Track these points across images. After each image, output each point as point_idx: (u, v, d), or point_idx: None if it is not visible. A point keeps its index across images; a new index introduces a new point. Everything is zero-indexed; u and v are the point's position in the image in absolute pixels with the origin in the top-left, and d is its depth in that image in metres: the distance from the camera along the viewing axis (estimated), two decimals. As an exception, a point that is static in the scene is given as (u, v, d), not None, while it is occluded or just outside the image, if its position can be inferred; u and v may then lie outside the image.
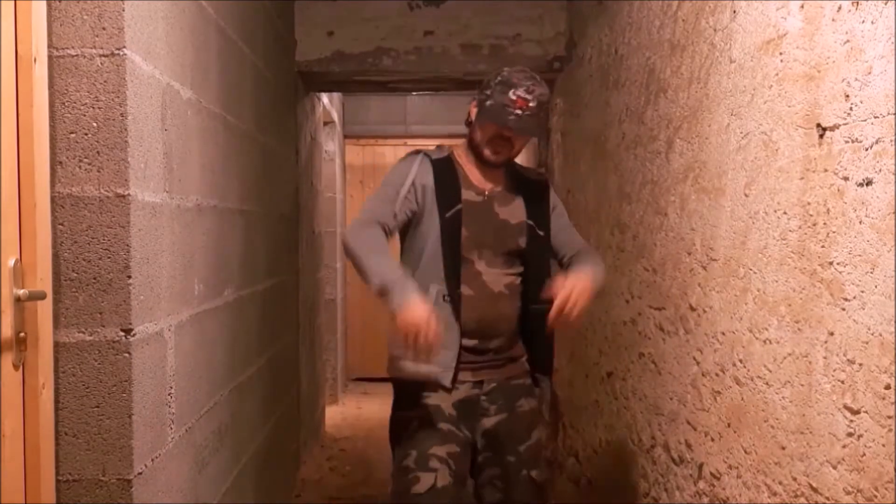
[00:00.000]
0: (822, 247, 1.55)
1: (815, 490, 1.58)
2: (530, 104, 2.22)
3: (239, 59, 2.76)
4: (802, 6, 1.64)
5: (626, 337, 2.89)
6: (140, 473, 1.75)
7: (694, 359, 2.21)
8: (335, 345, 6.23)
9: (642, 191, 2.70)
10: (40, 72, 1.60)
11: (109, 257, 1.69)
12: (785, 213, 1.70)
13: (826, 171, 1.54)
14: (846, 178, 1.47)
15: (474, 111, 2.34)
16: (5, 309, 1.51)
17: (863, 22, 1.43)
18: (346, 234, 2.27)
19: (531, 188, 2.42)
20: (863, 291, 1.42)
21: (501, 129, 2.25)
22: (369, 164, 7.18)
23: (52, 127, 1.66)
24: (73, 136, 1.67)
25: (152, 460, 1.83)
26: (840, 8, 1.50)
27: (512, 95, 2.21)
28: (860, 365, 1.43)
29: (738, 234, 1.93)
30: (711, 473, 2.09)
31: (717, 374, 2.05)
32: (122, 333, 1.70)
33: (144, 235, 1.78)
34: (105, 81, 1.67)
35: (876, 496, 1.38)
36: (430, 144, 2.64)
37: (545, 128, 4.31)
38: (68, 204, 1.68)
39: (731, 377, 1.96)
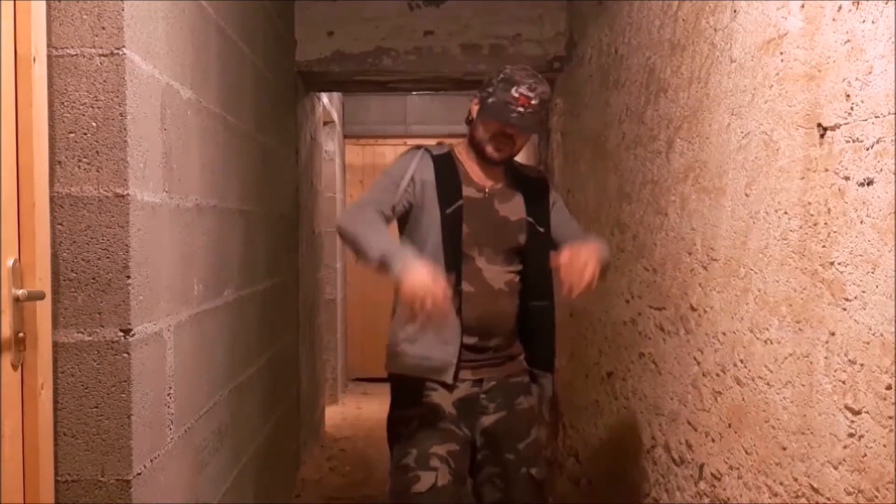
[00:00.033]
0: (823, 247, 1.55)
1: (816, 491, 1.57)
2: (532, 102, 2.23)
3: (239, 59, 2.76)
4: (803, 6, 1.64)
5: (626, 337, 2.89)
6: (139, 474, 1.75)
7: (694, 359, 2.21)
8: (335, 345, 6.22)
9: (642, 191, 2.70)
10: (40, 71, 1.60)
11: (108, 257, 1.69)
12: (786, 212, 1.70)
13: (827, 170, 1.54)
14: (847, 178, 1.47)
15: (475, 109, 2.34)
16: (4, 309, 1.51)
17: (863, 21, 1.43)
18: (341, 218, 2.29)
19: (530, 185, 2.42)
20: (864, 291, 1.41)
21: (504, 126, 2.26)
22: (369, 164, 7.18)
23: (52, 127, 1.65)
24: (72, 135, 1.67)
25: (151, 461, 1.83)
26: (840, 8, 1.50)
27: (514, 93, 2.22)
28: (861, 365, 1.42)
29: (739, 233, 1.92)
30: (712, 474, 2.09)
31: (717, 375, 2.05)
32: (121, 333, 1.70)
33: (144, 235, 1.78)
34: (104, 81, 1.67)
35: (877, 497, 1.38)
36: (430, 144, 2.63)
37: (546, 126, 4.31)
38: (67, 204, 1.67)
39: (732, 377, 1.96)
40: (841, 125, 1.49)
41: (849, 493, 1.46)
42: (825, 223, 1.54)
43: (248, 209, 2.89)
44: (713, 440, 2.08)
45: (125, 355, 1.70)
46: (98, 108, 1.67)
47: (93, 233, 1.68)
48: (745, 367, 1.89)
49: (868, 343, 1.40)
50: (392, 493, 2.32)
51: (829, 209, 1.53)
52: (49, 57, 1.65)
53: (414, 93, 6.27)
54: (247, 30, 2.89)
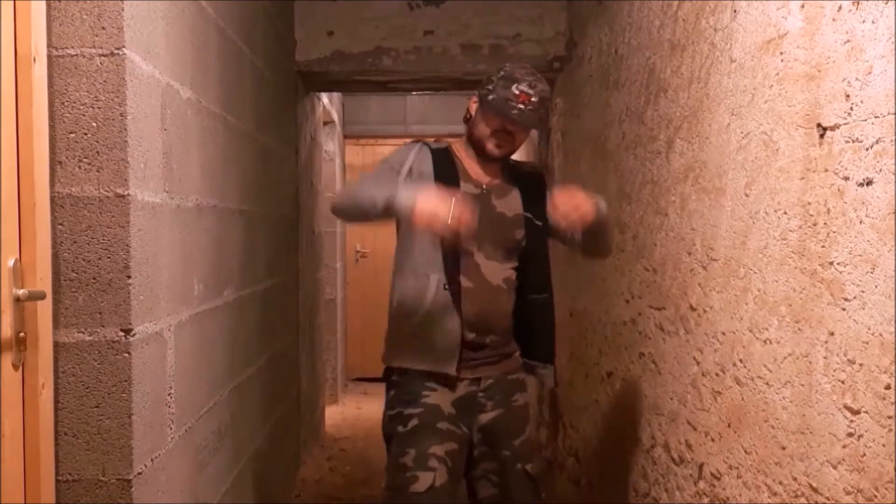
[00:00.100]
0: (823, 247, 1.55)
1: (815, 490, 1.57)
2: (532, 99, 2.24)
3: (239, 59, 2.76)
4: (803, 6, 1.64)
5: (626, 337, 2.89)
6: (140, 473, 1.75)
7: (694, 359, 2.21)
8: (335, 345, 6.22)
9: (642, 191, 2.70)
10: (40, 71, 1.60)
11: (109, 257, 1.69)
12: (785, 212, 1.70)
13: (826, 170, 1.54)
14: (846, 178, 1.47)
15: (474, 107, 2.36)
16: (5, 309, 1.51)
17: (863, 22, 1.43)
18: (335, 197, 2.31)
19: (527, 181, 2.43)
20: (863, 291, 1.42)
21: (505, 122, 2.27)
22: (369, 164, 7.17)
23: (52, 127, 1.66)
24: (72, 135, 1.67)
25: (152, 460, 1.83)
26: (840, 8, 1.50)
27: (515, 90, 2.23)
28: (860, 365, 1.42)
29: (739, 234, 1.93)
30: (712, 473, 2.09)
31: (717, 374, 2.05)
32: (122, 333, 1.70)
33: (144, 235, 1.78)
34: (105, 81, 1.67)
35: (876, 496, 1.38)
36: (429, 144, 2.64)
37: (546, 124, 4.31)
38: (68, 204, 1.68)
39: (732, 377, 1.96)
40: (840, 125, 1.49)
41: (848, 493, 1.46)
42: (825, 223, 1.54)
43: (248, 209, 2.89)
44: (713, 440, 2.08)
45: (126, 355, 1.71)
46: (98, 108, 1.67)
47: (93, 233, 1.69)
48: (745, 366, 1.89)
49: (867, 343, 1.40)
50: (389, 489, 2.32)
51: (828, 209, 1.53)
52: (49, 57, 1.65)
53: (414, 93, 6.27)
54: (246, 30, 2.89)
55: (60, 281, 1.68)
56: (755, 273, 1.84)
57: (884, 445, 1.36)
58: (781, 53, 1.73)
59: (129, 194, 1.69)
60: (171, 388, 1.97)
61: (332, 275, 6.08)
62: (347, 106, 6.85)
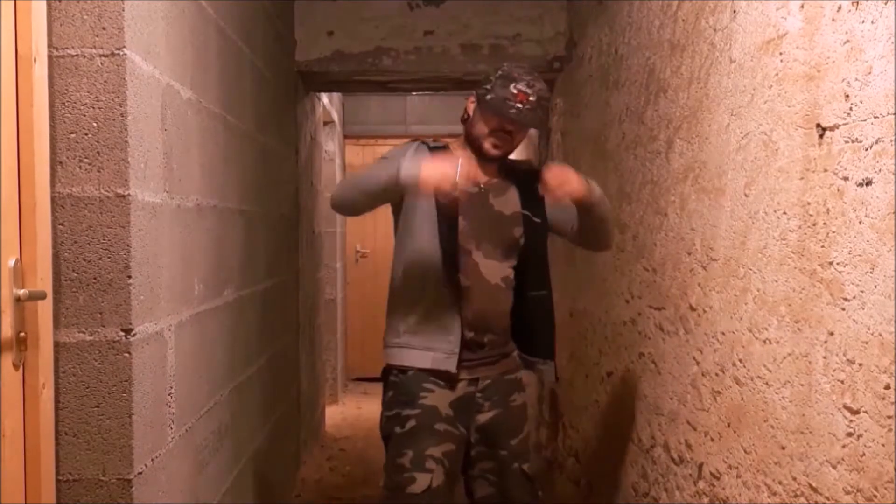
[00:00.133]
0: (822, 247, 1.55)
1: (814, 490, 1.58)
2: (530, 98, 2.24)
3: (239, 59, 2.76)
4: (802, 6, 1.65)
5: (626, 337, 2.89)
6: (140, 473, 1.75)
7: (694, 359, 2.21)
8: (335, 345, 6.22)
9: (642, 191, 2.70)
10: (40, 71, 1.60)
11: (109, 257, 1.69)
12: (785, 213, 1.70)
13: (826, 171, 1.54)
14: (846, 178, 1.47)
15: (472, 106, 2.36)
16: (5, 309, 1.51)
17: (863, 22, 1.44)
18: (335, 189, 2.33)
19: (523, 178, 2.44)
20: (862, 291, 1.42)
21: (503, 121, 2.27)
22: (369, 164, 7.17)
23: (52, 127, 1.66)
24: (73, 136, 1.67)
25: (152, 460, 1.83)
26: (840, 8, 1.50)
27: (513, 89, 2.24)
28: (860, 365, 1.43)
29: (738, 234, 1.93)
30: (711, 473, 2.09)
31: (716, 374, 2.05)
32: (123, 333, 1.70)
33: (144, 235, 1.78)
34: (105, 81, 1.67)
35: (876, 496, 1.38)
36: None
37: (544, 123, 4.31)
38: (68, 204, 1.68)
39: (731, 377, 1.96)
40: (840, 125, 1.49)
41: (847, 493, 1.46)
42: (824, 223, 1.54)
43: (248, 209, 2.89)
44: (712, 440, 2.08)
45: (126, 355, 1.71)
46: (99, 108, 1.67)
47: (94, 233, 1.69)
48: (745, 366, 1.89)
49: (867, 343, 1.40)
50: (387, 489, 2.33)
51: (828, 209, 1.53)
52: (50, 57, 1.65)
53: (414, 93, 6.27)
54: (246, 30, 2.89)
55: (61, 281, 1.68)
56: (755, 273, 1.84)
57: (883, 445, 1.36)
58: (781, 54, 1.73)
59: (129, 194, 1.69)
60: (171, 387, 1.97)
61: (332, 275, 6.08)
62: (347, 106, 6.85)
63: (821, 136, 1.56)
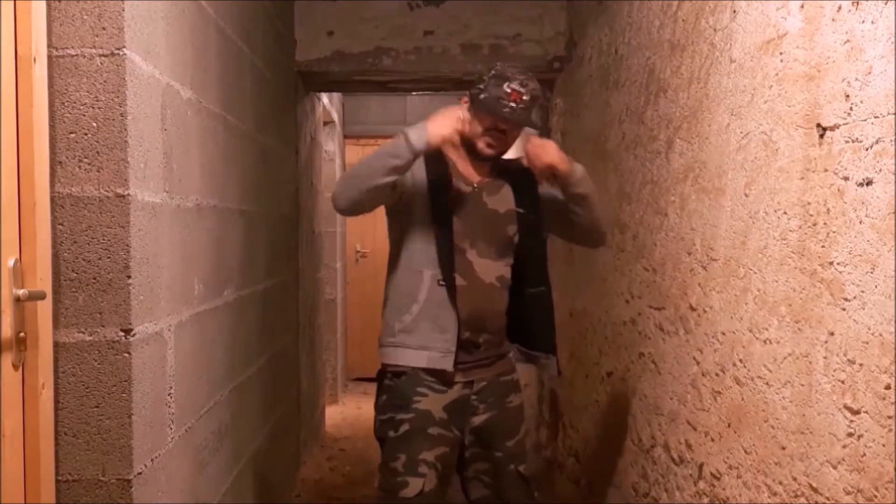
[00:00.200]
0: (823, 247, 1.55)
1: (815, 490, 1.57)
2: (524, 97, 2.25)
3: (239, 59, 2.76)
4: (802, 6, 1.64)
5: (626, 337, 2.89)
6: (140, 473, 1.75)
7: (694, 359, 2.21)
8: (335, 345, 6.22)
9: (642, 191, 2.70)
10: (40, 72, 1.60)
11: (109, 257, 1.69)
12: (785, 213, 1.70)
13: (826, 170, 1.54)
14: (846, 178, 1.47)
15: (465, 106, 2.36)
16: (5, 309, 1.51)
17: (863, 22, 1.43)
18: (336, 188, 2.29)
19: (516, 176, 2.44)
20: (863, 291, 1.42)
21: (496, 121, 2.27)
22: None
23: (52, 127, 1.66)
24: (72, 135, 1.67)
25: (152, 460, 1.83)
26: (840, 8, 1.50)
27: (506, 88, 2.24)
28: (860, 365, 1.42)
29: (738, 234, 1.93)
30: (711, 473, 2.09)
31: (717, 374, 2.05)
32: (122, 333, 1.70)
33: (144, 235, 1.78)
34: (105, 81, 1.67)
35: (876, 496, 1.38)
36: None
37: (545, 123, 4.31)
38: (68, 204, 1.68)
39: (731, 377, 1.96)
40: (840, 125, 1.49)
41: (848, 493, 1.46)
42: (824, 223, 1.54)
43: (248, 209, 2.89)
44: (713, 440, 2.08)
45: (126, 355, 1.71)
46: (98, 108, 1.67)
47: (93, 233, 1.69)
48: (745, 366, 1.89)
49: (867, 343, 1.40)
50: (381, 490, 2.34)
51: (828, 209, 1.53)
52: (49, 57, 1.65)
53: (414, 93, 6.26)
54: (246, 30, 2.89)
55: (60, 281, 1.68)
56: (755, 273, 1.84)
57: (884, 445, 1.36)
58: (781, 54, 1.73)
59: (129, 194, 1.69)
60: (171, 388, 1.97)
61: (332, 275, 6.08)
62: (347, 106, 6.85)
63: (821, 136, 1.56)
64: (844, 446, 1.47)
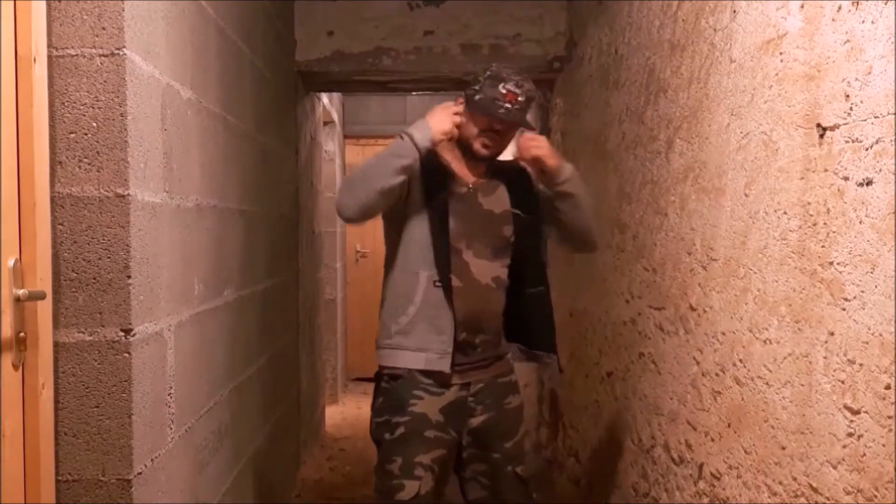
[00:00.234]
0: (823, 247, 1.55)
1: (815, 490, 1.58)
2: (519, 98, 2.25)
3: (239, 59, 2.76)
4: (802, 6, 1.64)
5: (626, 337, 2.89)
6: (140, 473, 1.75)
7: (694, 359, 2.21)
8: (335, 345, 6.22)
9: (642, 191, 2.70)
10: (40, 72, 1.60)
11: (109, 257, 1.69)
12: (785, 213, 1.70)
13: (826, 171, 1.54)
14: (846, 178, 1.47)
15: (461, 107, 2.36)
16: (5, 309, 1.51)
17: (863, 22, 1.43)
18: (340, 198, 2.30)
19: (512, 177, 2.44)
20: (863, 291, 1.42)
21: (492, 121, 2.27)
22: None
23: (52, 127, 1.66)
24: (72, 135, 1.67)
25: (152, 460, 1.83)
26: (840, 8, 1.50)
27: (502, 89, 2.24)
28: (860, 365, 1.42)
29: (738, 234, 1.93)
30: (711, 473, 2.09)
31: (717, 374, 2.05)
32: (122, 333, 1.70)
33: (144, 235, 1.78)
34: (105, 81, 1.67)
35: (876, 496, 1.38)
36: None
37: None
38: (68, 204, 1.68)
39: (732, 377, 1.96)
40: (840, 125, 1.49)
41: (848, 493, 1.46)
42: (824, 223, 1.54)
43: (248, 209, 2.89)
44: (712, 440, 2.08)
45: (126, 355, 1.71)
46: (98, 108, 1.67)
47: (93, 233, 1.69)
48: (745, 366, 1.89)
49: (867, 343, 1.40)
50: (378, 492, 2.34)
51: (828, 209, 1.53)
52: (49, 57, 1.65)
53: (414, 93, 6.26)
54: (246, 30, 2.89)
55: (60, 281, 1.68)
56: (755, 273, 1.84)
57: (884, 445, 1.36)
58: (781, 54, 1.73)
59: (129, 194, 1.69)
60: (171, 388, 1.97)
61: (332, 275, 6.08)
62: (347, 106, 6.85)
63: (821, 136, 1.56)
64: (844, 446, 1.47)
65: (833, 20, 1.53)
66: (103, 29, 1.67)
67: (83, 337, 1.69)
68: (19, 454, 1.56)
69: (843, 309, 1.47)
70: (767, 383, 1.77)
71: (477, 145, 2.32)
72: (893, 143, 1.34)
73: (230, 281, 2.60)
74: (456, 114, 2.28)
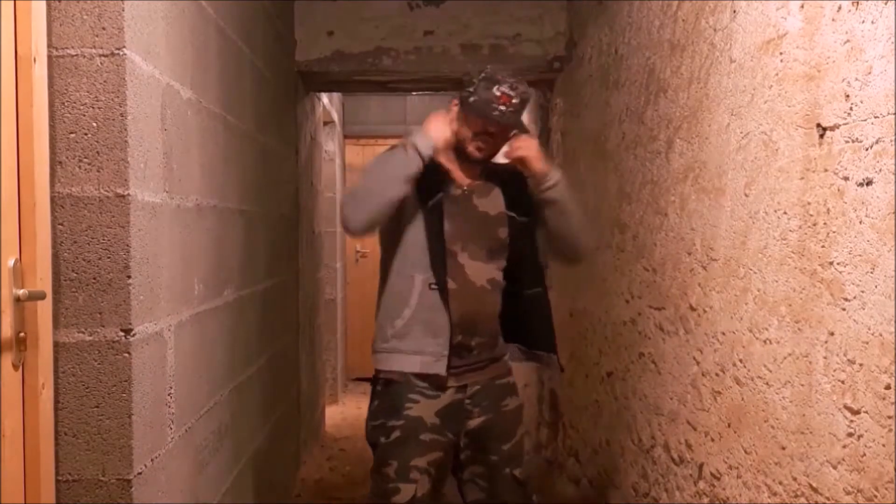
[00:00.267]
0: (823, 247, 1.55)
1: (815, 490, 1.57)
2: (513, 100, 2.26)
3: (239, 59, 2.76)
4: (802, 6, 1.64)
5: (626, 337, 2.89)
6: (140, 473, 1.75)
7: (694, 359, 2.21)
8: (335, 345, 6.22)
9: (642, 191, 2.70)
10: (40, 72, 1.60)
11: (109, 257, 1.69)
12: (785, 213, 1.70)
13: (826, 170, 1.54)
14: (846, 178, 1.47)
15: (455, 109, 2.36)
16: (5, 309, 1.51)
17: (863, 22, 1.43)
18: (345, 212, 2.30)
19: (506, 179, 2.44)
20: (863, 291, 1.42)
21: (486, 124, 2.28)
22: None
23: (52, 127, 1.65)
24: (72, 135, 1.67)
25: (152, 460, 1.83)
26: (840, 8, 1.50)
27: (496, 91, 2.24)
28: (860, 365, 1.42)
29: (738, 234, 1.93)
30: (711, 473, 2.09)
31: (717, 374, 2.05)
32: (122, 333, 1.70)
33: (144, 235, 1.78)
34: (105, 81, 1.67)
35: (876, 496, 1.38)
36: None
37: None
38: (68, 204, 1.68)
39: (732, 377, 1.96)
40: (840, 125, 1.49)
41: (848, 493, 1.46)
42: (824, 223, 1.54)
43: (248, 209, 2.89)
44: (713, 440, 2.08)
45: (126, 355, 1.71)
46: (98, 108, 1.67)
47: (93, 233, 1.68)
48: (745, 366, 1.89)
49: (867, 343, 1.40)
50: (374, 495, 2.34)
51: (828, 209, 1.53)
52: (49, 57, 1.65)
53: (414, 93, 6.26)
54: (246, 30, 2.89)
55: (60, 281, 1.68)
56: (755, 273, 1.84)
57: (884, 445, 1.36)
58: (781, 54, 1.73)
59: (129, 194, 1.69)
60: (171, 388, 1.97)
61: (332, 275, 6.08)
62: (347, 106, 6.85)
63: (821, 136, 1.56)
64: (844, 446, 1.47)
65: (833, 20, 1.53)
66: (103, 29, 1.67)
67: (83, 337, 1.69)
68: (19, 454, 1.56)
69: (843, 309, 1.47)
70: (767, 383, 1.77)
71: (471, 148, 2.32)
72: (893, 143, 1.34)
73: (230, 281, 2.60)
74: (450, 120, 2.32)
